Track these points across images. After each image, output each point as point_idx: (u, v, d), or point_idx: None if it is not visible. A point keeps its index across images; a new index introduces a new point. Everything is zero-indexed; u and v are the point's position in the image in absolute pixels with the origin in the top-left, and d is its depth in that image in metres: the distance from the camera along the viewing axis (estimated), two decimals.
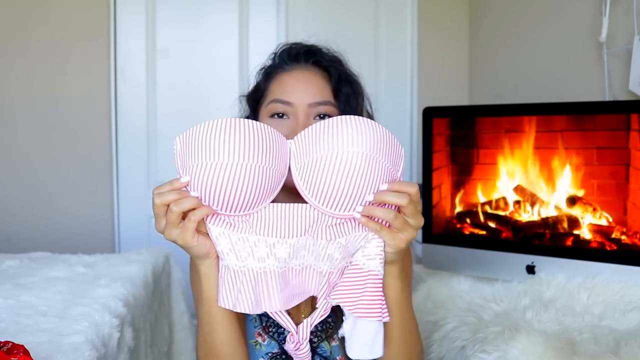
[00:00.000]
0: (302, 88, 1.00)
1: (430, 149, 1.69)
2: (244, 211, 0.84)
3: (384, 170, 0.82)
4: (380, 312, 0.87)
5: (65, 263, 1.81)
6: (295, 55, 1.05)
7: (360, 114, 1.05)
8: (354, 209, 0.83)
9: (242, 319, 0.98)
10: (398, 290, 0.91)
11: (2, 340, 1.05)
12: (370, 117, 1.09)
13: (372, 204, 0.83)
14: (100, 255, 1.96)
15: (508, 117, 1.63)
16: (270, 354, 1.00)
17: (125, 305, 1.49)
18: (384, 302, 0.88)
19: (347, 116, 0.84)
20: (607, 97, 1.69)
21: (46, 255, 1.98)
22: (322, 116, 1.00)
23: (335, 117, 0.85)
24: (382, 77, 2.77)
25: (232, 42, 2.72)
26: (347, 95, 1.02)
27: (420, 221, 0.85)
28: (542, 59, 2.12)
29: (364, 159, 0.81)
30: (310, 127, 0.86)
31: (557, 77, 2.02)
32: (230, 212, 0.84)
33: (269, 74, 1.06)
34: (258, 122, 0.84)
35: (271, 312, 0.91)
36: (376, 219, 0.84)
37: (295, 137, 0.87)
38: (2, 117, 2.62)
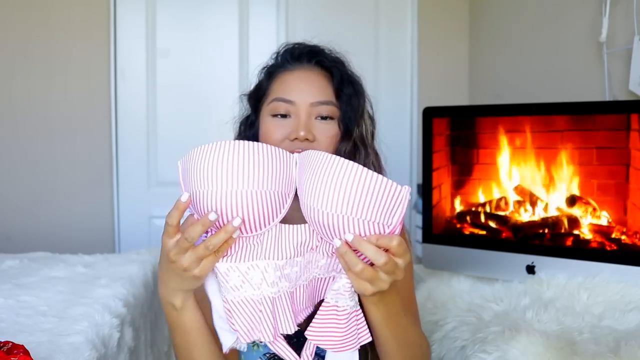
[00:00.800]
0: (304, 87, 1.00)
1: (430, 149, 1.69)
2: (251, 234, 0.83)
3: (366, 227, 0.78)
4: (356, 342, 0.85)
5: (65, 263, 1.81)
6: (298, 55, 1.05)
7: (361, 114, 1.04)
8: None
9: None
10: (381, 314, 0.87)
11: (2, 340, 1.05)
12: (371, 118, 1.09)
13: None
14: (100, 255, 1.96)
15: (508, 117, 1.63)
16: (267, 355, 1.00)
17: (125, 305, 1.49)
18: (360, 329, 0.86)
19: (343, 163, 0.79)
20: (607, 97, 1.69)
21: (46, 255, 1.98)
22: (324, 117, 1.00)
23: (332, 157, 0.80)
24: (382, 77, 2.77)
25: (232, 42, 2.72)
26: (348, 96, 1.02)
27: (399, 276, 0.81)
28: (542, 59, 2.12)
29: (341, 220, 0.78)
30: (314, 153, 0.83)
31: (557, 77, 2.02)
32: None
33: (271, 73, 1.06)
34: (262, 144, 0.82)
35: (272, 345, 0.89)
36: (359, 254, 0.80)
37: (301, 154, 0.85)
38: (2, 117, 2.62)
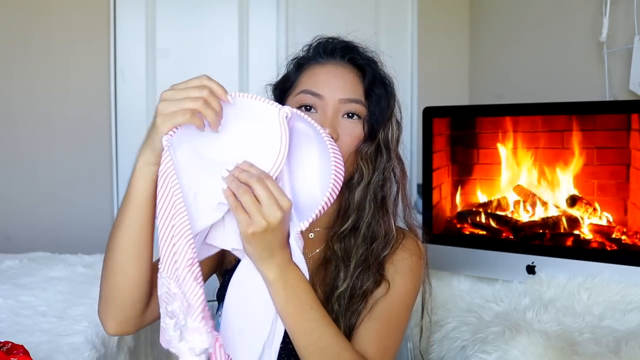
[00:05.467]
0: (334, 83, 0.98)
1: (430, 149, 1.69)
2: None
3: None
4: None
5: (65, 263, 1.80)
6: (332, 50, 1.02)
7: (389, 116, 1.02)
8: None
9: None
10: (282, 297, 0.84)
11: (2, 341, 1.05)
12: (398, 123, 1.06)
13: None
14: (100, 255, 1.95)
15: (508, 117, 1.63)
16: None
17: None
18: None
19: None
20: (608, 97, 1.69)
21: (46, 255, 1.97)
22: (351, 115, 0.98)
23: None
24: None
25: (232, 42, 2.71)
26: (378, 97, 1.00)
27: (272, 216, 0.78)
28: (542, 59, 2.12)
29: None
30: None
31: (558, 77, 2.02)
32: None
33: (300, 65, 1.03)
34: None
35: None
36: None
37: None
38: (2, 117, 2.62)
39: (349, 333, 0.96)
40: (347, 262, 0.99)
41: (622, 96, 1.63)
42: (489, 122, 1.68)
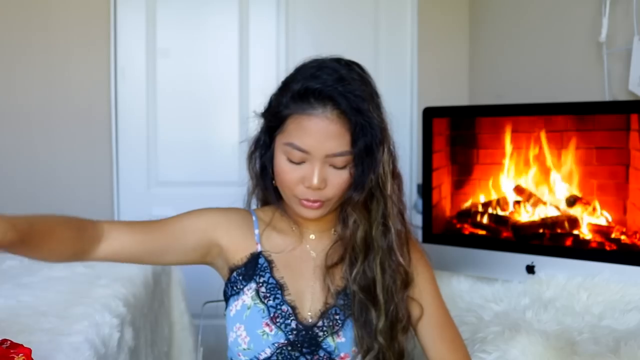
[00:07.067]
0: (320, 138, 0.99)
1: (430, 149, 1.69)
2: None
3: None
4: None
5: (65, 263, 1.81)
6: (318, 98, 0.99)
7: (376, 165, 1.02)
8: None
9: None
10: None
11: (2, 339, 1.05)
12: (393, 160, 1.07)
13: None
14: None
15: (508, 117, 1.63)
16: (276, 344, 1.01)
17: (125, 305, 1.49)
18: None
19: None
20: (607, 97, 1.69)
21: None
22: (337, 167, 1.00)
23: None
24: (382, 77, 2.77)
25: (232, 42, 2.71)
26: (367, 146, 1.00)
27: None
28: (542, 59, 2.12)
29: None
30: None
31: (557, 77, 2.02)
32: None
33: (287, 104, 1.01)
34: None
35: None
36: None
37: None
38: (2, 117, 2.62)
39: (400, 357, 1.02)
40: (375, 300, 1.03)
41: (622, 96, 1.63)
42: (488, 122, 1.68)
